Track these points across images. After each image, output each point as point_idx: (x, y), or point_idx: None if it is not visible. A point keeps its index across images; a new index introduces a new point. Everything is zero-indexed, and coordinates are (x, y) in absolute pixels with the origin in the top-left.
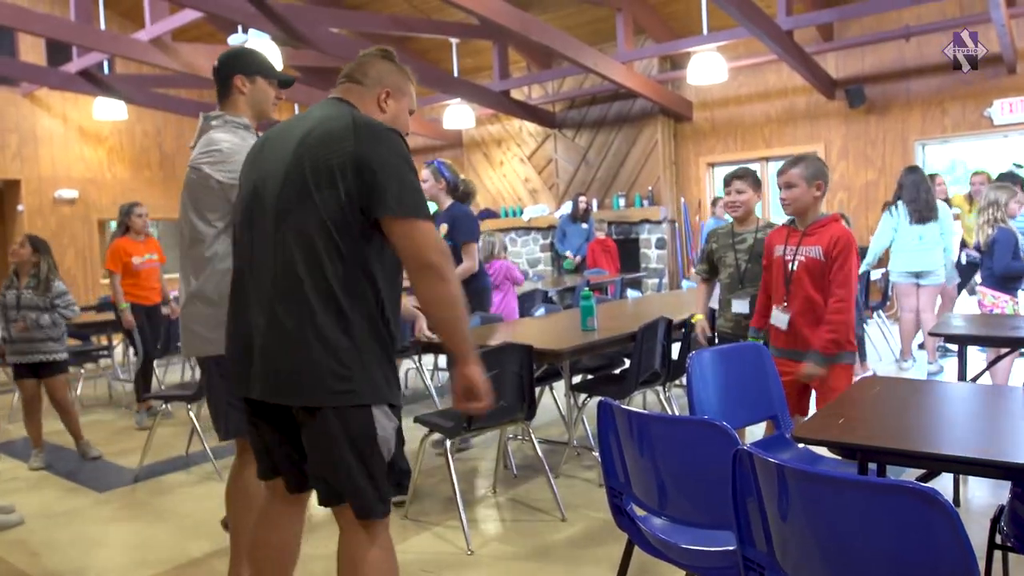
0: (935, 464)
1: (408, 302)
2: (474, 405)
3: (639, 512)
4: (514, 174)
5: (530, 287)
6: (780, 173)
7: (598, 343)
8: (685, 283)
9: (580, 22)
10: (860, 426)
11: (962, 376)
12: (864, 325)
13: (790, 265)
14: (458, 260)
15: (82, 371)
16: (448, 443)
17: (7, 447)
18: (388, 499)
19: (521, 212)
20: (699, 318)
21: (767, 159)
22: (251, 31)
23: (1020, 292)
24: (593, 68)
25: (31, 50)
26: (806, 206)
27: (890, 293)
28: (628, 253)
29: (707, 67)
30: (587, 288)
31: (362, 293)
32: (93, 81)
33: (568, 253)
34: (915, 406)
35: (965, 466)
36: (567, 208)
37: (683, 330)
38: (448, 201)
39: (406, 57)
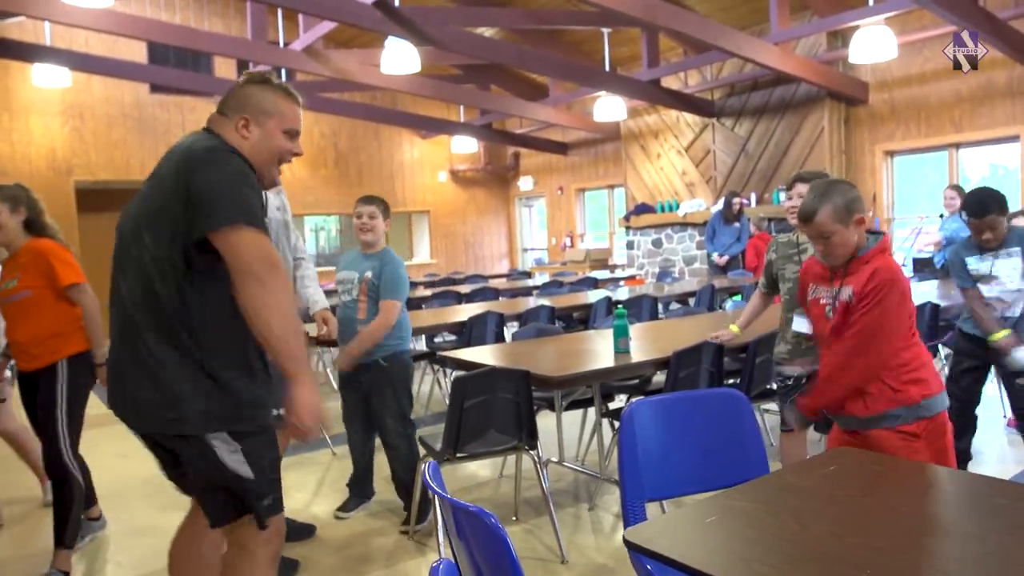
0: None
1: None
2: (299, 433)
3: None
4: (671, 167)
5: (638, 293)
6: (802, 219)
7: (615, 369)
8: None
9: (736, 1)
10: (740, 533)
11: None
12: None
13: (827, 311)
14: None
15: None
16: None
17: None
18: (261, 512)
19: (677, 207)
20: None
21: (956, 145)
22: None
23: None
24: (737, 52)
25: (224, 64)
26: (854, 248)
27: None
28: None
29: (873, 42)
30: (621, 306)
31: (192, 327)
32: None
33: (716, 255)
34: (863, 508)
35: None
36: (721, 205)
37: (741, 355)
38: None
39: (556, 51)
